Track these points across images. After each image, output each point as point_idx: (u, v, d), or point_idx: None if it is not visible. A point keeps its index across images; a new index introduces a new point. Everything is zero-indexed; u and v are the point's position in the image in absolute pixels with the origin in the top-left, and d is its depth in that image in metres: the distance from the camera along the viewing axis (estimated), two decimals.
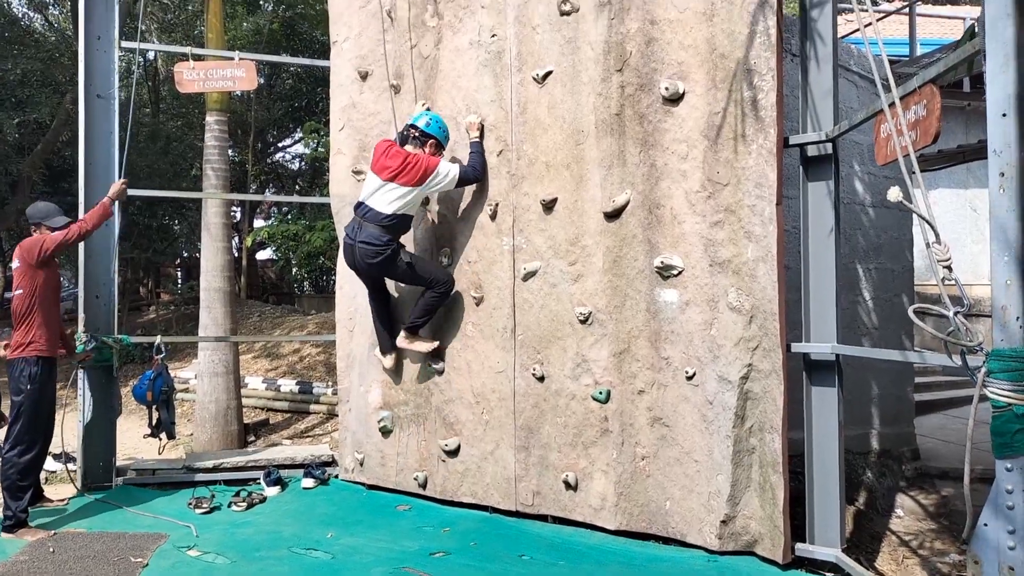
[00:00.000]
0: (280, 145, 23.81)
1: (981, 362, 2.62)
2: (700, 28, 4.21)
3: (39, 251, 4.96)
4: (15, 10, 18.70)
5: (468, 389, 5.12)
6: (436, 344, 5.20)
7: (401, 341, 5.25)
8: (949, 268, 2.50)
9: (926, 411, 8.70)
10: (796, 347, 4.14)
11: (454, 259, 5.21)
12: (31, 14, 19.79)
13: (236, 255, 17.23)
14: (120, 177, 5.76)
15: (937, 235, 2.48)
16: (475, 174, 4.95)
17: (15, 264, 5.07)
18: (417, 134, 4.98)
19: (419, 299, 5.12)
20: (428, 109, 5.25)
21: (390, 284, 5.45)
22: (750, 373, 4.06)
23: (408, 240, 5.33)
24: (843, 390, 4.18)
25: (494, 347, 5.00)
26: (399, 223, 4.94)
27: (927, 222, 2.47)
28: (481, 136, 5.02)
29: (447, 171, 4.88)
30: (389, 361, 5.44)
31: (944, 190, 12.06)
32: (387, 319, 5.41)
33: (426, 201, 5.34)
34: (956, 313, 2.52)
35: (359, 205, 4.99)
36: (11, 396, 4.89)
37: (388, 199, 4.86)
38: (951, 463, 6.87)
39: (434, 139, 4.98)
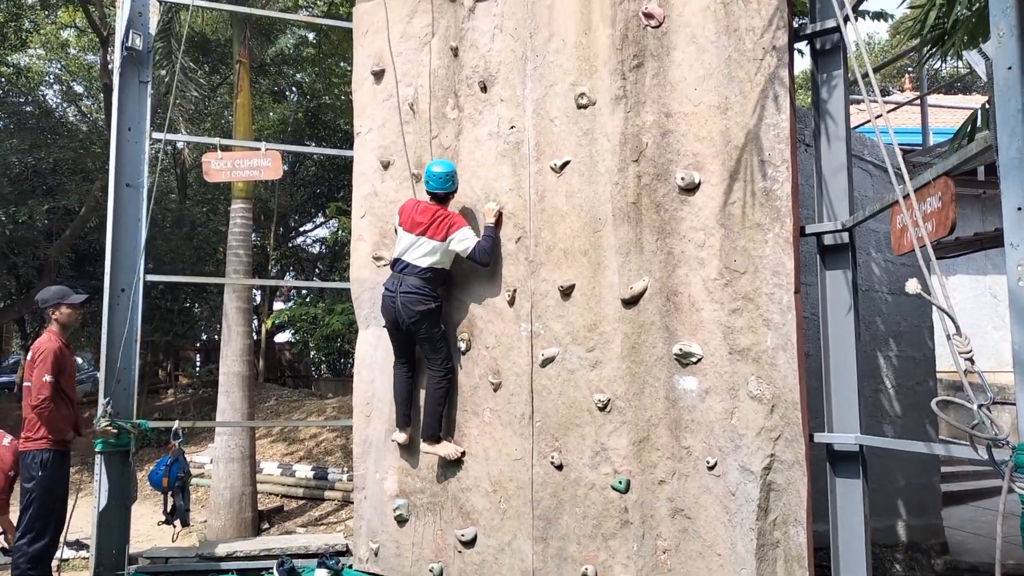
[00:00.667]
0: (301, 229, 24.23)
1: (1008, 456, 2.57)
2: (715, 121, 4.31)
3: (41, 366, 5.09)
4: (50, 101, 19.46)
5: (485, 477, 5.06)
6: (462, 451, 5.16)
7: (425, 447, 5.22)
8: (971, 360, 2.48)
9: (954, 502, 8.47)
10: (819, 437, 4.08)
11: (472, 344, 5.22)
12: (65, 105, 20.56)
13: (255, 338, 17.37)
14: (142, 263, 5.86)
15: (958, 327, 2.47)
16: (483, 257, 5.02)
17: (29, 356, 5.18)
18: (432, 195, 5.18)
19: (425, 398, 5.17)
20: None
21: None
22: (773, 464, 3.99)
23: None
24: (868, 481, 4.10)
25: (512, 434, 4.96)
26: (435, 276, 5.09)
27: (947, 314, 2.46)
28: (497, 224, 5.10)
29: (465, 237, 5.02)
30: (402, 437, 5.37)
31: (963, 276, 12.03)
32: (408, 392, 5.38)
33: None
34: (980, 406, 2.49)
35: (396, 261, 5.15)
36: (22, 483, 4.90)
37: (421, 252, 5.04)
38: (981, 557, 6.64)
39: (450, 195, 5.18)
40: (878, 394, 6.05)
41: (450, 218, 5.05)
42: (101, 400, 5.63)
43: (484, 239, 5.08)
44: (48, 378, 5.12)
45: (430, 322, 5.07)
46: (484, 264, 5.07)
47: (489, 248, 5.04)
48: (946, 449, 3.50)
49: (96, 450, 5.56)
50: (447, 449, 5.17)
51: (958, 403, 2.75)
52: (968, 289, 12.04)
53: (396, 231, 5.36)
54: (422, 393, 5.37)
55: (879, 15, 6.05)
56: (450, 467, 5.24)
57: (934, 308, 2.89)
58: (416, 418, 5.37)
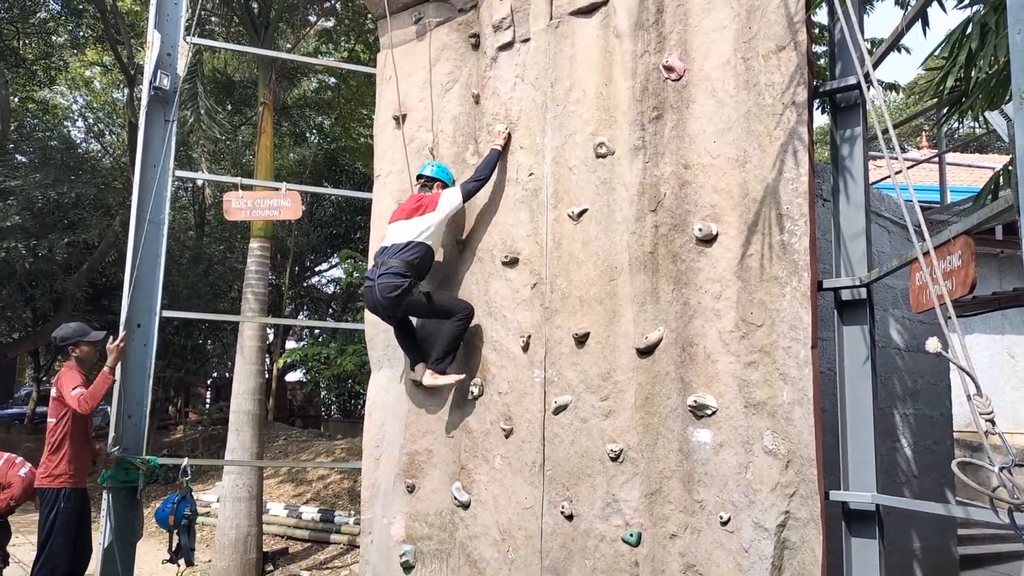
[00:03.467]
0: (316, 269, 24.39)
1: None
2: (733, 173, 4.33)
3: (60, 391, 5.15)
4: (75, 136, 19.81)
5: (494, 525, 4.99)
6: (462, 377, 5.20)
7: (428, 379, 5.21)
8: (992, 422, 2.44)
9: (971, 566, 8.27)
10: (835, 495, 4.02)
11: (484, 389, 5.20)
12: (89, 140, 20.92)
13: (267, 376, 17.39)
14: (159, 299, 5.90)
15: (978, 387, 2.44)
16: (479, 176, 5.22)
17: (53, 392, 5.22)
18: (424, 181, 5.43)
19: (441, 332, 5.19)
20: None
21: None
22: (787, 521, 3.92)
23: None
24: (884, 541, 4.02)
25: (522, 482, 4.90)
26: (421, 255, 5.14)
27: (968, 374, 2.44)
28: (505, 147, 5.30)
29: (452, 192, 5.23)
30: (419, 373, 5.31)
31: (979, 335, 11.92)
32: (413, 341, 5.43)
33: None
34: (1002, 469, 2.45)
35: (381, 251, 5.24)
36: (40, 519, 4.91)
37: (409, 230, 5.15)
38: None
39: (439, 180, 5.37)
40: (894, 453, 5.96)
41: (435, 195, 5.26)
42: (112, 434, 5.63)
43: (484, 160, 5.27)
44: (79, 391, 5.17)
45: (408, 298, 5.03)
46: (482, 180, 5.24)
47: (482, 167, 5.24)
48: (965, 512, 3.43)
49: (103, 485, 5.54)
50: (450, 379, 5.17)
51: (978, 465, 2.71)
52: (985, 348, 11.93)
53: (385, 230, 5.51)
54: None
55: (892, 87, 6.12)
56: (459, 513, 5.18)
57: (952, 367, 2.86)
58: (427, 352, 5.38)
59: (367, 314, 6.03)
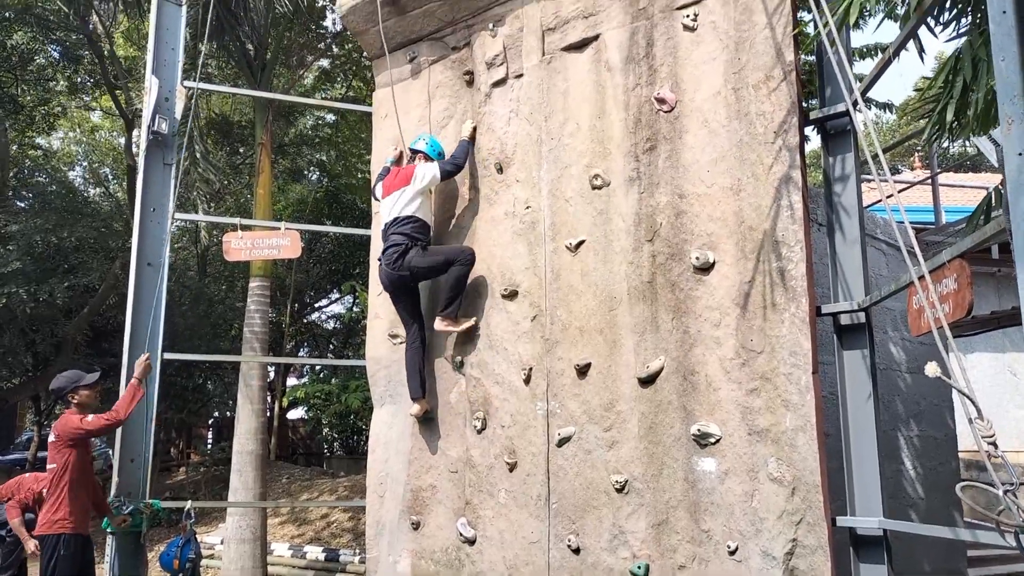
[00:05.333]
0: (316, 305, 24.40)
1: None
2: (728, 202, 4.37)
3: (74, 431, 5.12)
4: (75, 180, 19.94)
5: (500, 561, 4.96)
6: (473, 321, 5.32)
7: (438, 324, 5.31)
8: (994, 445, 2.45)
9: None
10: (842, 521, 4.00)
11: (488, 423, 5.19)
12: (89, 184, 21.05)
13: (268, 415, 17.34)
14: (160, 342, 5.92)
15: (979, 411, 2.45)
16: (455, 163, 5.42)
17: (51, 438, 5.20)
18: (410, 155, 5.70)
19: (446, 279, 5.30)
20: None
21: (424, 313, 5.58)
22: (795, 549, 3.90)
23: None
24: (893, 566, 3.99)
25: (528, 516, 4.88)
26: (418, 226, 5.37)
27: (968, 398, 2.45)
28: (471, 139, 5.57)
29: (426, 168, 5.38)
30: (416, 408, 5.42)
31: (981, 354, 11.90)
32: (420, 362, 5.45)
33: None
34: (1006, 492, 2.44)
35: (384, 232, 5.46)
36: (41, 567, 4.88)
37: (399, 205, 5.37)
38: None
39: (422, 153, 5.52)
40: (899, 475, 5.93)
41: (409, 167, 5.49)
42: (115, 479, 5.60)
43: (457, 148, 5.51)
44: (94, 417, 5.20)
45: (411, 255, 5.24)
46: (458, 166, 5.44)
47: (456, 153, 5.47)
48: (972, 534, 3.42)
49: (107, 531, 5.51)
50: (463, 324, 5.31)
51: (982, 487, 2.71)
52: (987, 367, 11.91)
53: (379, 207, 5.71)
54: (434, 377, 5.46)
55: (885, 106, 6.19)
56: (464, 550, 5.14)
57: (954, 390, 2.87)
58: (432, 387, 5.53)
59: (368, 351, 6.04)
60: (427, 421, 5.51)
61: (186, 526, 5.69)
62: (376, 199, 5.83)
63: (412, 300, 5.51)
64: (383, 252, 5.37)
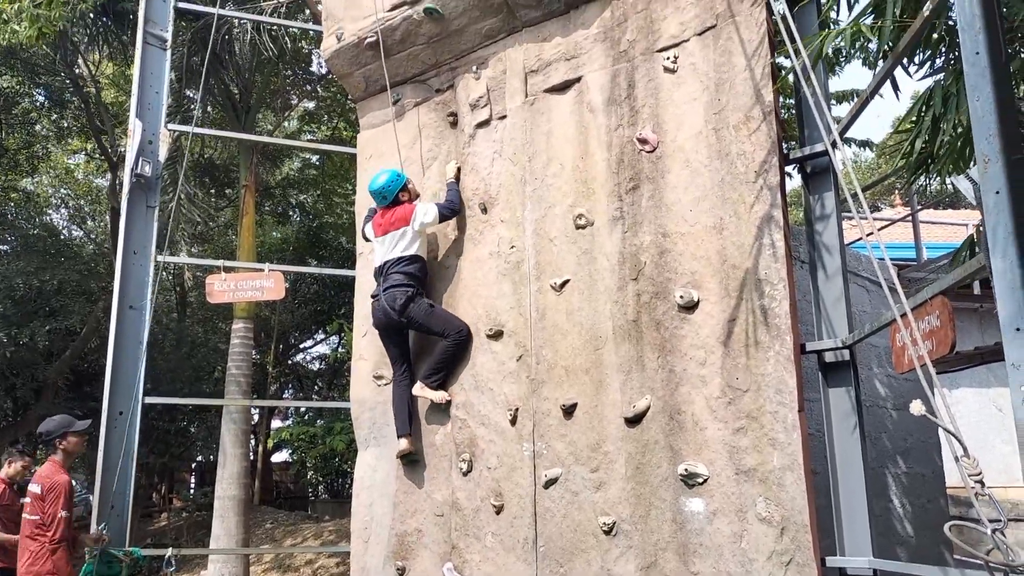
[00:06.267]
0: (301, 346, 24.25)
1: None
2: (711, 241, 4.39)
3: (46, 500, 5.11)
4: (57, 223, 19.86)
5: None
6: (447, 397, 5.28)
7: (416, 390, 5.31)
8: (981, 483, 2.44)
9: None
10: (831, 561, 3.96)
11: (474, 465, 5.13)
12: (71, 227, 20.95)
13: (251, 458, 17.10)
14: (141, 385, 5.85)
15: (965, 449, 2.44)
16: (450, 207, 5.42)
17: (35, 488, 5.15)
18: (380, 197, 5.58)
19: (436, 351, 5.29)
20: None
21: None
22: None
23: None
24: None
25: (515, 559, 4.80)
26: (418, 266, 5.40)
27: (954, 436, 2.44)
28: (456, 180, 5.56)
29: (427, 208, 5.38)
30: (403, 444, 5.36)
31: (966, 389, 11.94)
32: (407, 401, 5.43)
33: None
34: (994, 530, 2.43)
35: (379, 270, 5.44)
36: None
37: (397, 245, 5.38)
38: None
39: (398, 192, 5.50)
40: (888, 513, 5.90)
41: (406, 207, 5.44)
42: (94, 527, 5.49)
43: (447, 193, 5.51)
44: (64, 514, 5.16)
45: (414, 306, 5.24)
46: (454, 211, 5.44)
47: (452, 197, 5.46)
48: (962, 574, 3.39)
49: None
50: (438, 395, 5.27)
51: (970, 526, 2.69)
52: (972, 402, 11.93)
53: (372, 246, 5.70)
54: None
55: (864, 144, 6.29)
56: None
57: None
58: (417, 428, 5.46)
59: (352, 393, 5.99)
60: (412, 463, 5.45)
61: (167, 574, 5.57)
62: (367, 239, 5.82)
63: (402, 340, 5.51)
64: (383, 290, 5.33)
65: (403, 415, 5.41)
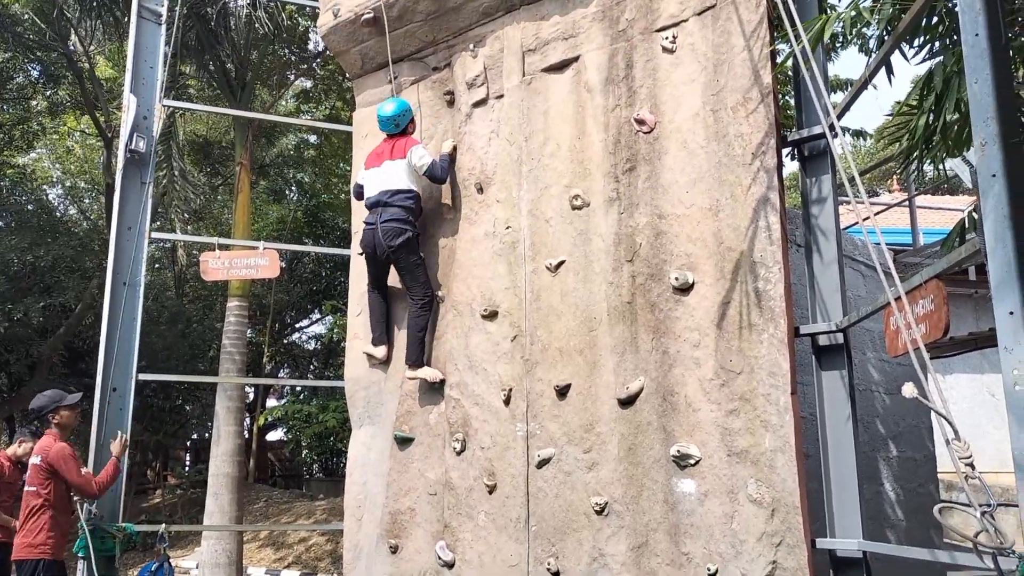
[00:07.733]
0: (297, 326, 24.23)
1: (1015, 566, 2.50)
2: (706, 223, 4.38)
3: (62, 471, 5.12)
4: (52, 200, 19.76)
5: None
6: (442, 377, 5.28)
7: (407, 373, 5.36)
8: (972, 466, 2.44)
9: None
10: (821, 543, 3.98)
11: (467, 444, 5.14)
12: (66, 203, 20.85)
13: (246, 437, 17.11)
14: (135, 361, 5.85)
15: (956, 432, 2.45)
16: (440, 174, 5.37)
17: (35, 460, 5.15)
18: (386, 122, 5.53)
19: (407, 326, 5.35)
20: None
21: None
22: (775, 571, 3.87)
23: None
24: None
25: (507, 538, 4.82)
26: (415, 200, 5.36)
27: (945, 419, 2.45)
28: (452, 158, 5.54)
29: (423, 154, 5.33)
30: (380, 351, 5.53)
31: (960, 375, 11.98)
32: (383, 311, 5.58)
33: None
34: (983, 513, 2.44)
35: (373, 200, 5.36)
36: None
37: (391, 176, 5.32)
38: None
39: (407, 124, 5.51)
40: (879, 497, 5.93)
41: (407, 140, 5.41)
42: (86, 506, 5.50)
43: (441, 160, 5.43)
44: (86, 470, 5.19)
45: (408, 250, 5.27)
46: (441, 180, 5.42)
47: (444, 164, 5.41)
48: (951, 556, 3.41)
49: (78, 555, 5.40)
50: (429, 373, 5.28)
51: (960, 508, 2.70)
52: (966, 388, 11.98)
53: (362, 185, 5.61)
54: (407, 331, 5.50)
55: (859, 133, 6.26)
56: (443, 573, 5.07)
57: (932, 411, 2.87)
58: (392, 339, 5.59)
59: (347, 372, 5.98)
60: (405, 443, 5.45)
61: (160, 550, 5.59)
62: (359, 183, 5.76)
63: (387, 271, 5.58)
64: (381, 221, 5.27)
65: (380, 325, 5.56)
